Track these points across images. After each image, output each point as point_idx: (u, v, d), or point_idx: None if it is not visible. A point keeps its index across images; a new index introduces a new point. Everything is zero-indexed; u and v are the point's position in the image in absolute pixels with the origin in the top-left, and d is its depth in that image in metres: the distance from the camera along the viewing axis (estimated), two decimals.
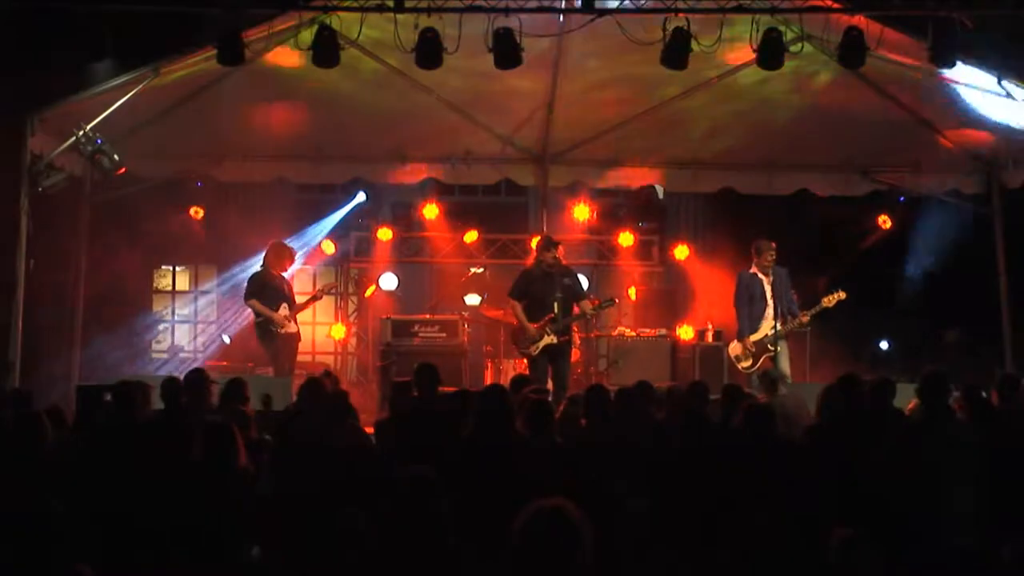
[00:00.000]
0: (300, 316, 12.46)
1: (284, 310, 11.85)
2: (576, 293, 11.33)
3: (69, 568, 4.03)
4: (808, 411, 7.97)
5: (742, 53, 10.05)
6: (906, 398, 7.66)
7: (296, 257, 12.50)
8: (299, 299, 12.45)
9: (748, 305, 11.33)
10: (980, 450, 6.02)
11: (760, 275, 11.34)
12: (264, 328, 11.84)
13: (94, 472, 6.09)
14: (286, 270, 12.18)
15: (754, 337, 11.23)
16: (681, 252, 14.95)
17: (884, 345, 15.19)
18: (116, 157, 10.67)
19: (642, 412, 7.06)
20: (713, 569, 5.35)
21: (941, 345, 13.67)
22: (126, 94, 10.41)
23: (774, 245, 11.42)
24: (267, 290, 11.88)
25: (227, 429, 5.85)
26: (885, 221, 14.10)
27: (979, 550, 5.45)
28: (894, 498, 5.91)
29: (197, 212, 14.37)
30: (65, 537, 4.89)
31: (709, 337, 13.37)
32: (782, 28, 9.60)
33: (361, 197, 14.59)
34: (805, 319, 11.30)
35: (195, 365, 13.37)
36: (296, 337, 12.08)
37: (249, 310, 12.10)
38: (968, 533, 5.74)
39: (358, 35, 9.56)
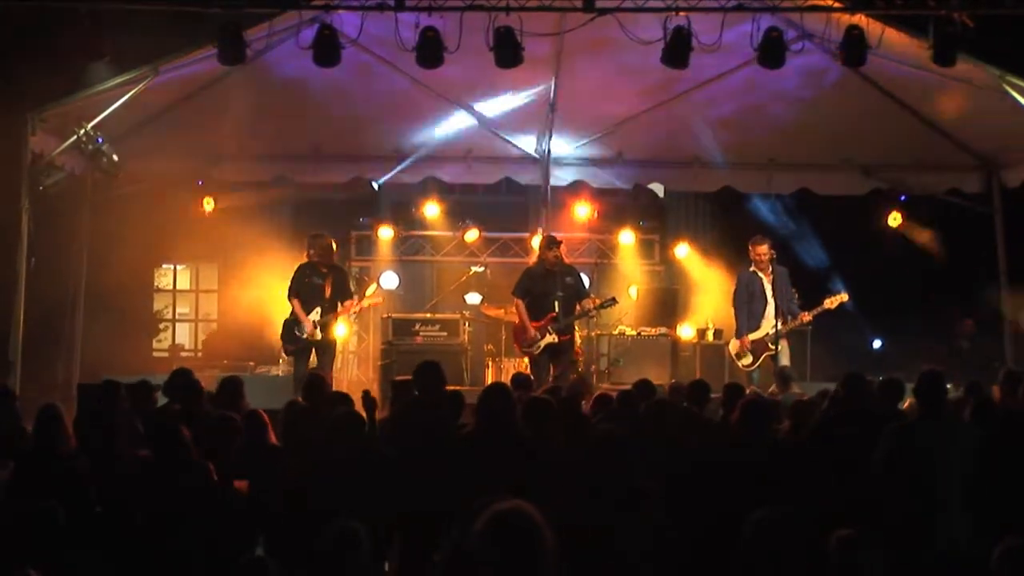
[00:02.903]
0: None
1: (315, 314, 11.18)
2: (578, 292, 11.33)
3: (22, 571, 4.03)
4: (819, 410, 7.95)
5: (743, 52, 10.04)
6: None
7: (333, 246, 11.51)
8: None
9: (747, 303, 11.34)
10: (978, 449, 6.01)
11: (760, 273, 11.34)
12: (289, 329, 11.34)
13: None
14: (328, 262, 11.39)
15: (755, 335, 11.24)
16: (682, 251, 14.95)
17: (877, 344, 15.18)
18: (116, 156, 10.68)
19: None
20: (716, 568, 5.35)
21: (955, 335, 13.61)
22: (126, 94, 10.43)
23: (768, 241, 11.43)
24: (303, 288, 11.30)
25: (172, 427, 5.84)
26: (896, 218, 14.03)
27: (976, 550, 5.44)
28: (891, 498, 5.90)
29: (208, 202, 14.11)
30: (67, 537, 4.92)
31: (709, 336, 13.38)
32: (783, 27, 9.61)
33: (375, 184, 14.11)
34: (806, 319, 11.31)
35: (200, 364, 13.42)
36: (318, 344, 11.18)
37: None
38: (965, 532, 5.73)
39: (359, 34, 9.56)
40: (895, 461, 5.95)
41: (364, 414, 7.01)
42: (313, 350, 11.35)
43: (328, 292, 11.32)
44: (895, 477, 5.93)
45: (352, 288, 11.89)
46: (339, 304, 11.37)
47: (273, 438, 6.81)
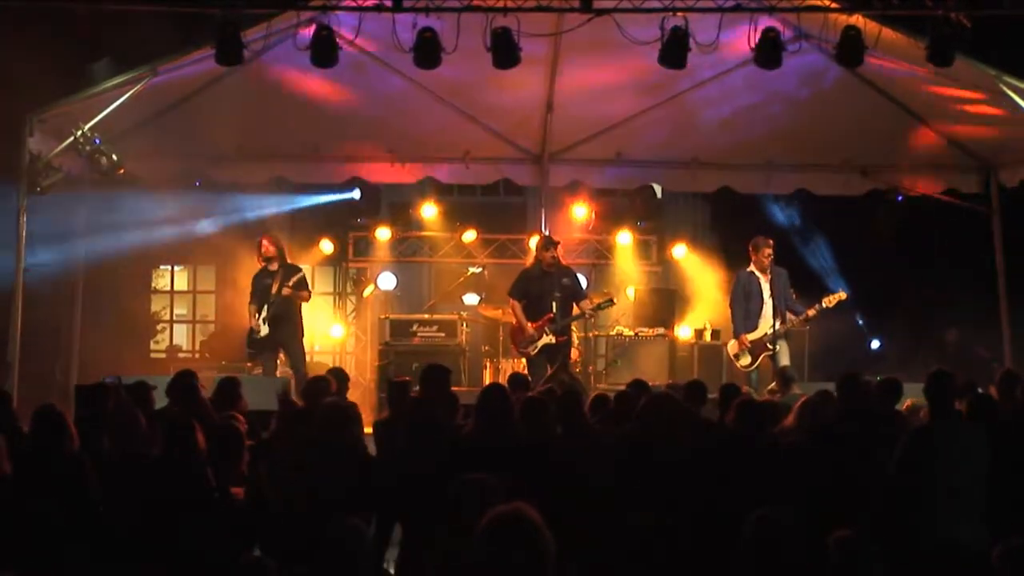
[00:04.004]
0: None
1: (264, 311, 11.64)
2: (575, 293, 11.33)
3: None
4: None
5: (740, 52, 10.05)
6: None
7: (265, 246, 11.87)
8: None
9: (744, 303, 11.33)
10: (987, 450, 6.01)
11: (758, 274, 11.34)
12: (248, 333, 11.86)
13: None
14: (273, 262, 11.79)
15: (752, 336, 11.23)
16: (679, 252, 14.95)
17: (875, 344, 15.21)
18: (114, 157, 10.68)
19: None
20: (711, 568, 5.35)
21: (942, 344, 13.66)
22: (125, 94, 10.42)
23: (771, 243, 11.42)
24: (256, 291, 11.79)
25: (185, 424, 5.84)
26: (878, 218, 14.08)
27: (986, 550, 5.44)
28: (904, 499, 5.89)
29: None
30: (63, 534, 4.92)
31: (707, 336, 13.39)
32: (780, 28, 9.62)
33: (356, 194, 14.33)
34: (811, 313, 11.29)
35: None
36: (273, 338, 11.67)
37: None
38: (976, 533, 5.72)
39: (356, 35, 9.56)
40: (912, 463, 5.94)
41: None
42: (276, 350, 11.76)
43: (275, 288, 11.63)
44: (911, 479, 5.92)
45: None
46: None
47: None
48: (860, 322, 13.86)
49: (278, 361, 12.02)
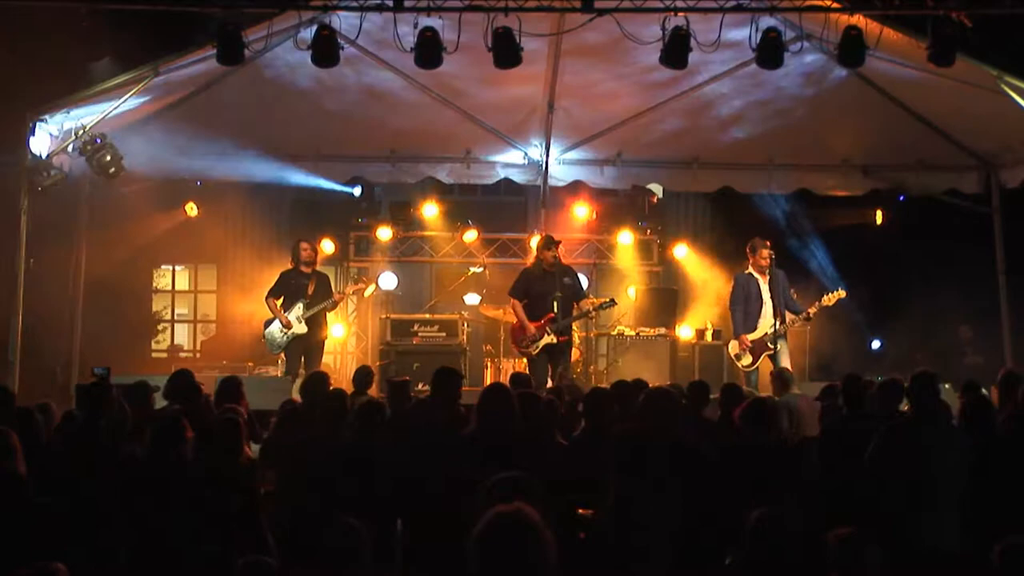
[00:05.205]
0: None
1: (298, 310, 11.76)
2: (576, 292, 11.33)
3: (46, 565, 4.01)
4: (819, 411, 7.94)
5: (742, 52, 10.06)
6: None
7: (308, 250, 12.05)
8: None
9: (743, 304, 11.33)
10: (971, 450, 5.99)
11: (757, 275, 11.33)
12: (274, 327, 11.90)
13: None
14: (309, 266, 11.98)
15: (753, 336, 11.23)
16: (680, 251, 14.96)
17: (876, 344, 15.20)
18: (115, 156, 10.69)
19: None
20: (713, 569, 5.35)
21: (956, 341, 13.69)
22: (126, 94, 10.43)
23: (769, 244, 11.42)
24: (287, 289, 11.88)
25: (175, 422, 5.83)
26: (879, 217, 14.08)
27: (966, 552, 5.43)
28: (883, 498, 5.89)
29: (192, 208, 14.17)
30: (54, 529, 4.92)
31: (708, 336, 13.38)
32: (781, 28, 9.62)
33: (357, 190, 14.35)
34: (805, 316, 11.30)
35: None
36: (305, 339, 11.82)
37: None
38: (954, 533, 5.71)
39: (357, 34, 9.56)
40: (884, 460, 5.93)
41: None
42: (303, 353, 11.81)
43: (311, 290, 11.86)
44: (884, 476, 5.91)
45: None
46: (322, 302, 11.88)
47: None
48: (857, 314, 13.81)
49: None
